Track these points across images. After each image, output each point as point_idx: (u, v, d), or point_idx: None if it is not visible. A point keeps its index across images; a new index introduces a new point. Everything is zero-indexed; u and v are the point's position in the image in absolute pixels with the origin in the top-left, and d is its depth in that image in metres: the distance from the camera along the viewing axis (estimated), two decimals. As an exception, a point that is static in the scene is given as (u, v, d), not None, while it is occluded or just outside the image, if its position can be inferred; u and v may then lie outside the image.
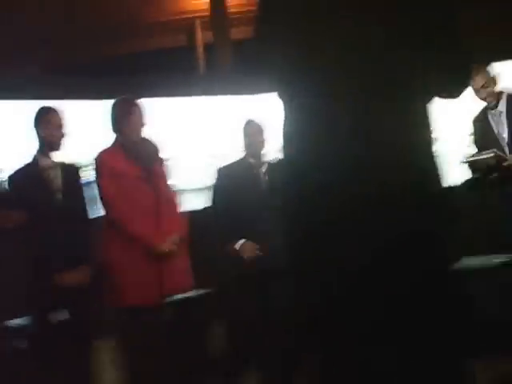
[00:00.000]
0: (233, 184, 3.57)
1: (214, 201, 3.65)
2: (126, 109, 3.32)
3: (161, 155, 3.43)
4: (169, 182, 3.47)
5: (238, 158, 3.76)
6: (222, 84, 5.50)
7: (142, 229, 3.21)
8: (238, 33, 7.30)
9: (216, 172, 3.76)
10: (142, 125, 3.34)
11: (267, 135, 3.71)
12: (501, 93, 3.96)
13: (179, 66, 7.14)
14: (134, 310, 3.17)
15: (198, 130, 5.36)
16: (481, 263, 3.79)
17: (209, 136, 5.34)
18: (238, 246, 3.52)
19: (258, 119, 3.80)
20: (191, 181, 5.01)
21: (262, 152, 3.73)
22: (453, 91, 1.65)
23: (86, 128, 4.68)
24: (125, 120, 3.30)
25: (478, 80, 3.91)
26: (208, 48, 7.60)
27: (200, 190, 4.73)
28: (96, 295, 3.20)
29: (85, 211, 3.36)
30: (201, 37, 7.89)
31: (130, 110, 3.32)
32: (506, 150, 3.88)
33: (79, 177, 3.43)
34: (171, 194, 3.44)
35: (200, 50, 7.92)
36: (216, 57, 7.18)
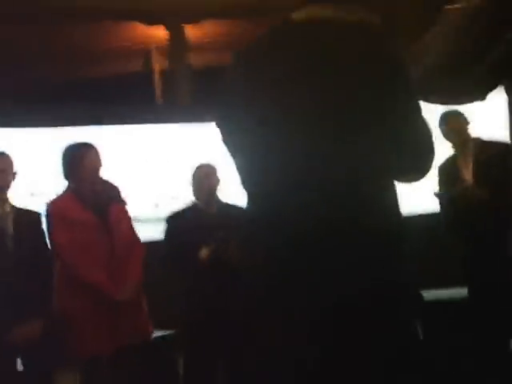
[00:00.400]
0: (183, 232, 3.49)
1: (165, 251, 3.56)
2: (78, 154, 3.23)
3: (120, 196, 3.33)
4: (129, 223, 3.36)
5: (187, 204, 3.70)
6: (178, 112, 5.51)
7: (97, 278, 3.13)
8: (195, 60, 7.35)
9: (165, 220, 3.68)
10: (97, 168, 3.24)
11: (219, 179, 3.64)
12: (471, 139, 3.98)
13: (135, 93, 7.11)
14: (91, 359, 3.09)
15: (154, 158, 5.34)
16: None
17: (165, 165, 5.33)
18: (201, 256, 3.46)
19: (209, 163, 3.74)
20: (148, 211, 4.98)
21: (213, 197, 3.64)
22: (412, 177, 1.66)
23: (38, 158, 4.61)
24: (76, 166, 3.21)
25: (448, 125, 3.94)
26: (165, 75, 7.60)
27: (156, 220, 4.69)
28: (51, 344, 3.08)
29: (43, 258, 3.21)
30: (158, 64, 7.90)
31: (82, 155, 3.22)
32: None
33: (38, 222, 3.27)
34: (129, 237, 3.33)
35: (157, 76, 7.93)
36: (173, 84, 7.19)
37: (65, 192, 3.26)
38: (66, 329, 3.10)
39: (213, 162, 3.72)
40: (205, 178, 3.63)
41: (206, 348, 3.44)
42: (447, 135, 3.92)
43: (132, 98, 6.59)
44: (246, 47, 1.67)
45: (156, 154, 5.40)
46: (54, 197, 3.29)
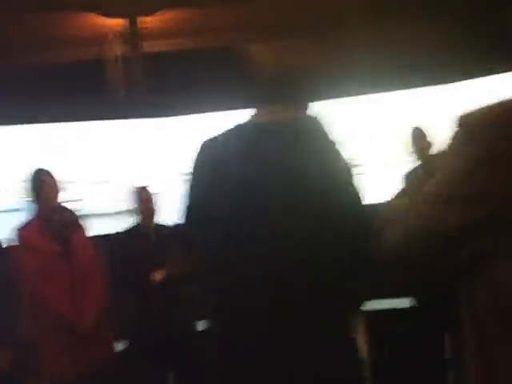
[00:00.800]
0: (127, 258, 3.54)
1: (111, 272, 3.59)
2: (35, 183, 3.25)
3: (79, 222, 3.37)
4: (90, 251, 3.40)
5: (127, 226, 3.73)
6: (136, 106, 5.53)
7: (61, 307, 3.17)
8: (150, 46, 7.34)
9: (111, 241, 3.71)
10: (53, 197, 3.27)
11: (156, 203, 3.71)
12: (433, 156, 4.06)
13: (90, 82, 7.07)
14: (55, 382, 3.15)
15: (113, 153, 5.38)
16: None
17: (124, 159, 5.38)
18: (154, 278, 3.52)
19: (146, 186, 3.80)
20: (108, 205, 5.01)
21: (153, 219, 3.70)
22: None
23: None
24: (36, 195, 3.24)
25: (416, 142, 4.01)
26: (121, 62, 7.56)
27: (116, 214, 4.76)
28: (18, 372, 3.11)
29: (10, 286, 3.24)
30: (113, 52, 7.85)
31: (38, 184, 3.24)
32: None
33: (3, 251, 3.34)
34: (90, 265, 3.36)
35: (112, 64, 7.89)
36: (129, 71, 7.17)
37: (30, 220, 3.28)
38: (33, 353, 3.17)
39: (150, 187, 3.78)
40: (148, 200, 3.67)
41: (155, 364, 3.53)
42: (412, 151, 4.01)
43: (86, 88, 6.56)
44: (216, 143, 1.78)
45: (115, 149, 5.44)
46: (21, 225, 3.31)
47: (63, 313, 3.17)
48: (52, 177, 3.31)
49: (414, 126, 4.16)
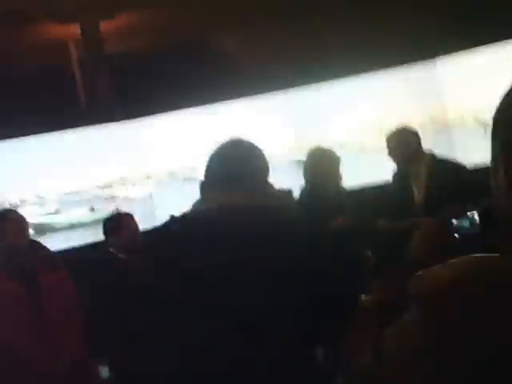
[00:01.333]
0: (112, 289, 3.47)
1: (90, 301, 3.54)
2: None
3: (51, 261, 3.25)
4: (62, 290, 3.25)
5: (107, 254, 3.68)
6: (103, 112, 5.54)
7: (33, 355, 3.04)
8: (109, 47, 7.35)
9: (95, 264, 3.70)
10: (19, 237, 3.10)
11: (138, 225, 3.65)
12: (423, 155, 3.77)
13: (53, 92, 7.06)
14: None
15: (82, 161, 5.39)
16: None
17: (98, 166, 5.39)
18: None
19: (125, 212, 3.75)
20: (84, 215, 5.02)
21: (137, 243, 3.61)
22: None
23: None
24: None
25: (390, 142, 3.81)
26: (83, 66, 7.56)
27: (92, 223, 4.77)
28: None
29: None
30: (76, 56, 7.85)
31: (1, 226, 3.09)
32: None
33: None
34: (63, 306, 3.22)
35: (75, 68, 7.88)
36: (91, 74, 7.17)
37: None
38: None
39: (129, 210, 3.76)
40: (132, 234, 3.61)
41: None
42: (392, 152, 3.78)
43: (50, 98, 6.55)
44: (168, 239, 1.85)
45: (87, 157, 5.45)
46: None
47: (34, 359, 3.00)
48: (13, 219, 3.11)
49: (397, 128, 3.80)
